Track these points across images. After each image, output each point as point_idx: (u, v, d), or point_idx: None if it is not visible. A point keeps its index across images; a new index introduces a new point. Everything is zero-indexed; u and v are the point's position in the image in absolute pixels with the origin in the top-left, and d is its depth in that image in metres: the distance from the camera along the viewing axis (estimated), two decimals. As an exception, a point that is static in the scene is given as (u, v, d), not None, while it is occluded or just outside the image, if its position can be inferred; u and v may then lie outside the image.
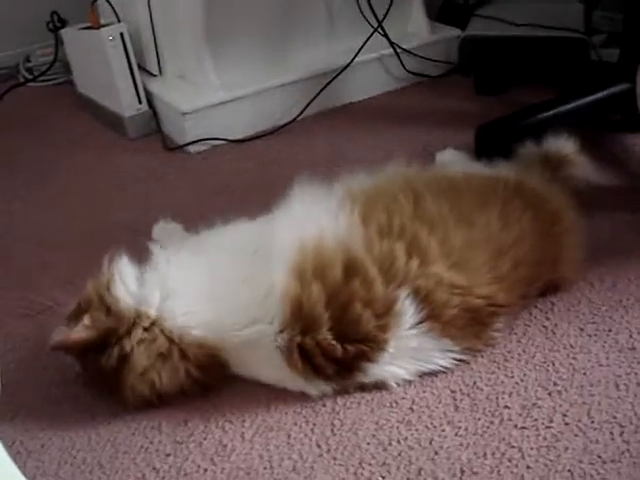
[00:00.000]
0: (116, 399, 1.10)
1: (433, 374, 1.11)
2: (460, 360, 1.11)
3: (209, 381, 1.12)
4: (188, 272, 1.15)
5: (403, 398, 1.08)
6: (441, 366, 1.10)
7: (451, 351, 1.10)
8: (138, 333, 1.08)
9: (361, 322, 1.05)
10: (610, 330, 1.16)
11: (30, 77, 2.63)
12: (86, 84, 2.30)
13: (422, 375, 1.11)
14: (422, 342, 1.08)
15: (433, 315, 1.07)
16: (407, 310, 1.06)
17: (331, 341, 1.05)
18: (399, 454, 1.00)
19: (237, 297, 1.11)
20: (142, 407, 1.10)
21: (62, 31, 2.33)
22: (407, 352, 1.08)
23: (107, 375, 1.08)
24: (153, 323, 1.09)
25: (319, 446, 1.03)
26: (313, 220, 1.14)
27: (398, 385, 1.10)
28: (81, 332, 1.08)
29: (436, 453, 0.99)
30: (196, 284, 1.14)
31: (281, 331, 1.06)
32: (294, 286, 1.06)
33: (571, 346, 1.14)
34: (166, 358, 1.08)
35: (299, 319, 1.06)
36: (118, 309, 1.09)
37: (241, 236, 1.22)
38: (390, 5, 2.10)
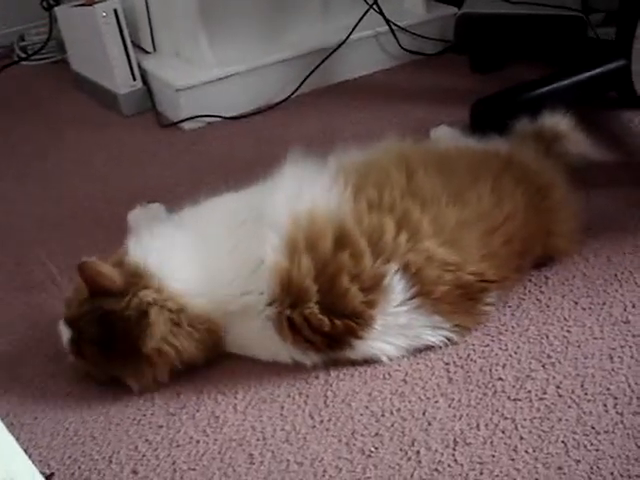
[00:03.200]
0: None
1: (426, 347, 1.11)
2: (450, 338, 1.11)
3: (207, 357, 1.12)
4: (175, 247, 1.15)
5: (396, 370, 1.08)
6: (431, 343, 1.10)
7: (441, 328, 1.09)
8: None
9: (347, 296, 1.05)
10: (604, 303, 1.15)
11: (24, 56, 2.62)
12: (80, 62, 2.29)
13: (415, 348, 1.11)
14: (412, 319, 1.07)
15: (423, 292, 1.07)
16: (396, 286, 1.06)
17: (318, 315, 1.05)
18: (392, 425, 0.99)
19: (226, 269, 1.10)
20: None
21: (56, 9, 2.32)
22: (396, 329, 1.08)
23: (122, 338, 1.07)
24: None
25: (312, 417, 1.03)
26: (306, 193, 1.14)
27: (391, 359, 1.10)
28: (112, 271, 1.09)
29: (429, 424, 0.99)
30: (185, 259, 1.13)
31: (270, 304, 1.06)
32: (283, 260, 1.06)
33: (565, 319, 1.13)
34: (178, 324, 1.08)
35: (288, 293, 1.06)
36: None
37: (228, 207, 1.21)
38: (385, -18, 2.09)
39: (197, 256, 1.12)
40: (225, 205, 1.21)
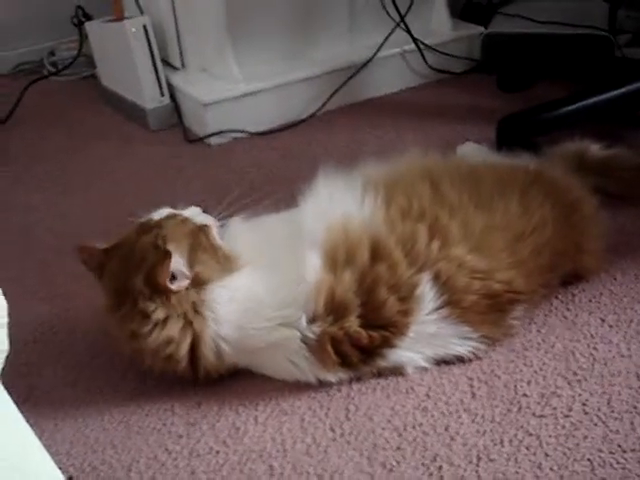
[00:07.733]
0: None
1: (450, 362, 1.10)
2: (477, 349, 1.10)
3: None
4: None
5: (419, 385, 1.07)
6: (458, 353, 1.09)
7: (469, 338, 1.08)
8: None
9: (386, 307, 1.05)
10: (632, 321, 1.14)
11: (54, 71, 2.65)
12: (109, 77, 2.31)
13: (439, 363, 1.09)
14: (441, 327, 1.06)
15: (452, 300, 1.06)
16: (427, 294, 1.05)
17: (357, 328, 1.04)
18: (414, 439, 0.98)
19: (265, 301, 1.08)
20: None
21: (86, 24, 2.34)
22: (426, 337, 1.07)
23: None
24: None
25: (333, 430, 1.02)
26: (338, 207, 1.13)
27: (414, 372, 1.08)
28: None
29: (452, 439, 0.97)
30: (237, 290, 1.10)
31: (312, 321, 1.05)
32: (326, 277, 1.05)
33: (592, 336, 1.12)
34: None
35: (332, 309, 1.04)
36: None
37: (269, 231, 1.20)
38: (412, 0, 2.10)
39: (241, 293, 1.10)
40: (267, 229, 1.20)
